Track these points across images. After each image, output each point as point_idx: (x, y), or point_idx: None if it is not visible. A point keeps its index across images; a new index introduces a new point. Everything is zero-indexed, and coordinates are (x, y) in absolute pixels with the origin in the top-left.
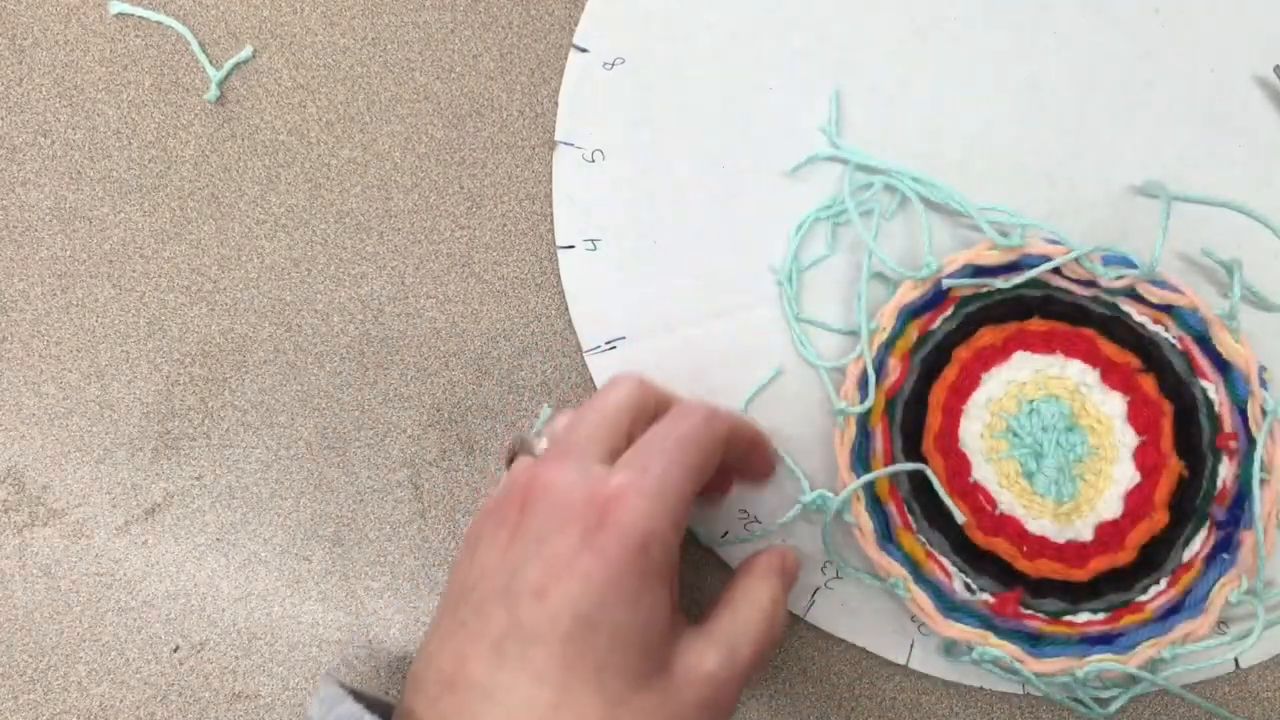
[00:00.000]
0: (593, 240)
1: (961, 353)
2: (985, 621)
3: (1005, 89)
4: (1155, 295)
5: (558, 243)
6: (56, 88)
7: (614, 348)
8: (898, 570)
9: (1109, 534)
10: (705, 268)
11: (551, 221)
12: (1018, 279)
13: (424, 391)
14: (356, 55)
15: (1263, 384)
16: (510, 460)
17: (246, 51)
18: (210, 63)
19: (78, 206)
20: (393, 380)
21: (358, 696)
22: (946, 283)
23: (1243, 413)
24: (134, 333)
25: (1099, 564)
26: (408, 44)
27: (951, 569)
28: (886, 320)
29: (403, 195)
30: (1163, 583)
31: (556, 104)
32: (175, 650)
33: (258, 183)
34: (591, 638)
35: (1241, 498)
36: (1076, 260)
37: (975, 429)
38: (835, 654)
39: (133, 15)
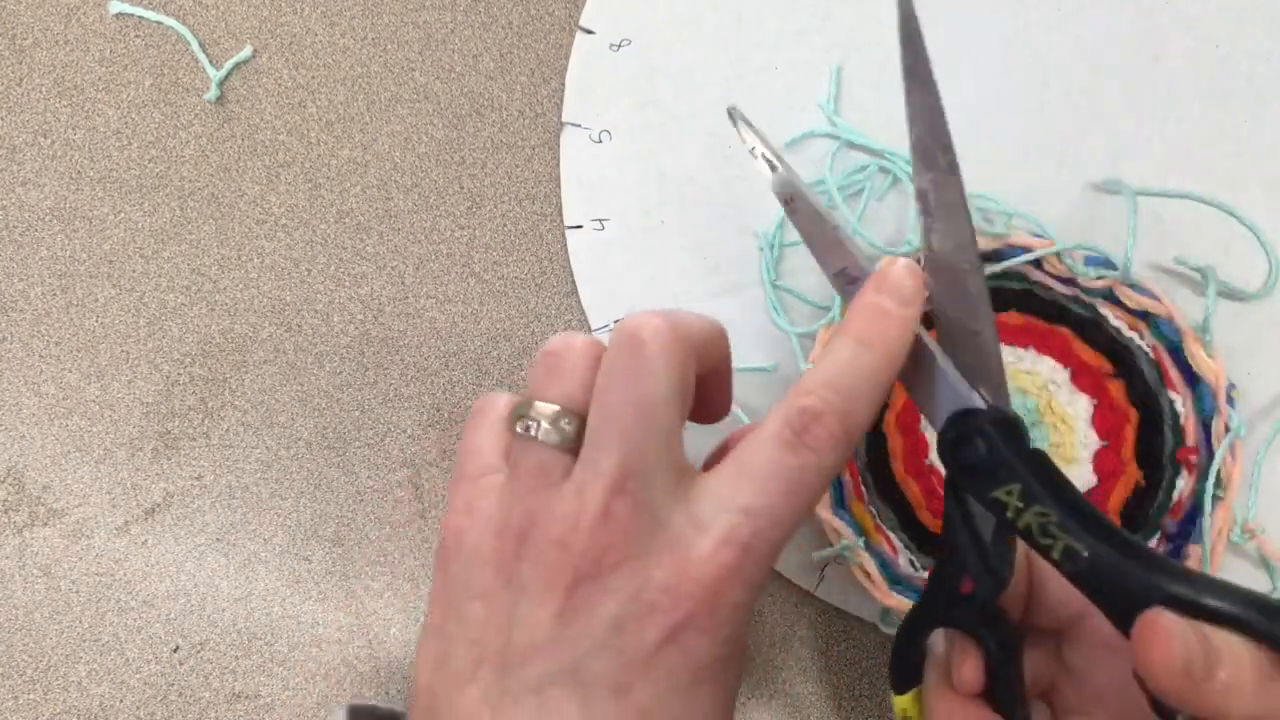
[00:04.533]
0: (600, 220)
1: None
2: None
3: (1011, 67)
4: (1132, 300)
5: (566, 223)
6: (56, 88)
7: None
8: (849, 534)
9: None
10: (712, 246)
11: (552, 221)
12: (997, 268)
13: (424, 391)
14: (356, 55)
15: (1230, 402)
16: (513, 423)
17: (246, 51)
18: (210, 63)
19: (78, 206)
20: (393, 380)
21: (372, 713)
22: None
23: (1207, 428)
24: (134, 333)
25: None
26: (408, 44)
27: (898, 544)
28: None
29: (403, 195)
30: None
31: (557, 104)
32: (175, 650)
33: (258, 183)
34: None
35: (1195, 513)
36: (1058, 256)
37: None
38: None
39: (133, 15)
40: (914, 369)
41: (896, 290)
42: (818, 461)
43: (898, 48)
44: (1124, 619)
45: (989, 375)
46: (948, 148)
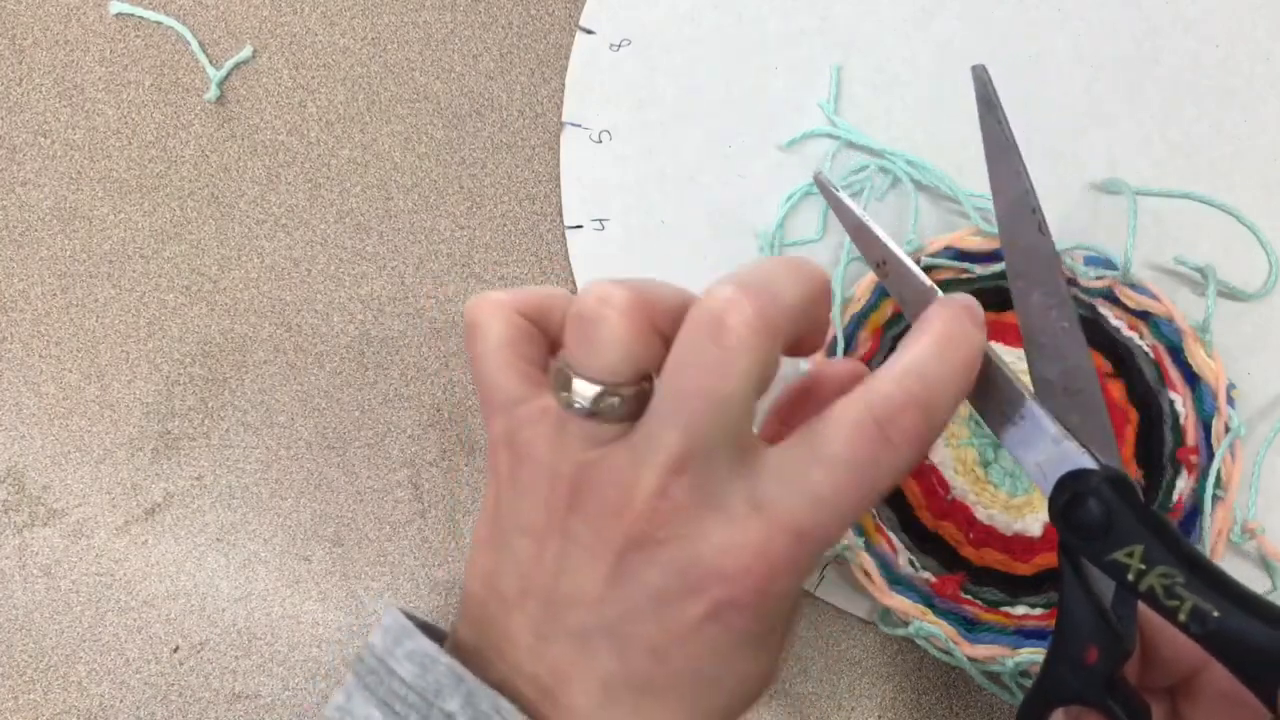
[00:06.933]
0: (600, 220)
1: None
2: (925, 598)
3: (1010, 67)
4: (1132, 300)
5: (566, 223)
6: (56, 88)
7: None
8: (849, 534)
9: None
10: (712, 246)
11: (552, 221)
12: (997, 267)
13: (424, 391)
14: (356, 55)
15: (1230, 402)
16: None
17: (246, 51)
18: (210, 63)
19: (78, 206)
20: (393, 380)
21: (424, 628)
22: (925, 261)
23: (1207, 428)
24: (134, 333)
25: (1043, 560)
26: (408, 44)
27: (898, 544)
28: (861, 292)
29: (403, 195)
30: None
31: (557, 104)
32: (175, 650)
33: (258, 183)
34: (714, 694)
35: (1195, 513)
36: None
37: None
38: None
39: (133, 15)
40: (1017, 432)
41: (971, 309)
42: (896, 457)
43: (977, 122)
44: (1258, 678)
45: (1097, 434)
46: (1035, 209)
